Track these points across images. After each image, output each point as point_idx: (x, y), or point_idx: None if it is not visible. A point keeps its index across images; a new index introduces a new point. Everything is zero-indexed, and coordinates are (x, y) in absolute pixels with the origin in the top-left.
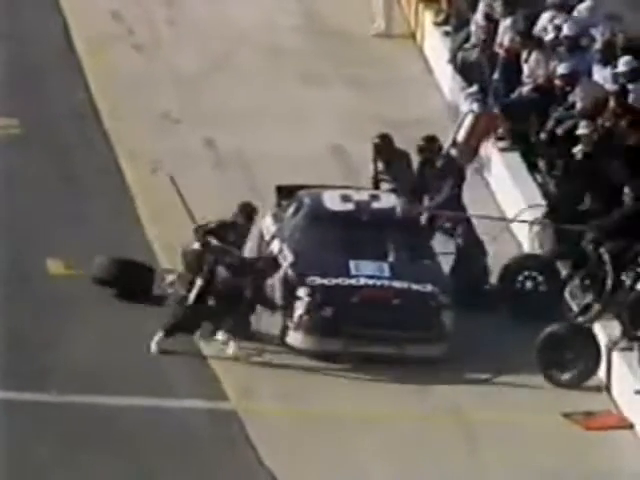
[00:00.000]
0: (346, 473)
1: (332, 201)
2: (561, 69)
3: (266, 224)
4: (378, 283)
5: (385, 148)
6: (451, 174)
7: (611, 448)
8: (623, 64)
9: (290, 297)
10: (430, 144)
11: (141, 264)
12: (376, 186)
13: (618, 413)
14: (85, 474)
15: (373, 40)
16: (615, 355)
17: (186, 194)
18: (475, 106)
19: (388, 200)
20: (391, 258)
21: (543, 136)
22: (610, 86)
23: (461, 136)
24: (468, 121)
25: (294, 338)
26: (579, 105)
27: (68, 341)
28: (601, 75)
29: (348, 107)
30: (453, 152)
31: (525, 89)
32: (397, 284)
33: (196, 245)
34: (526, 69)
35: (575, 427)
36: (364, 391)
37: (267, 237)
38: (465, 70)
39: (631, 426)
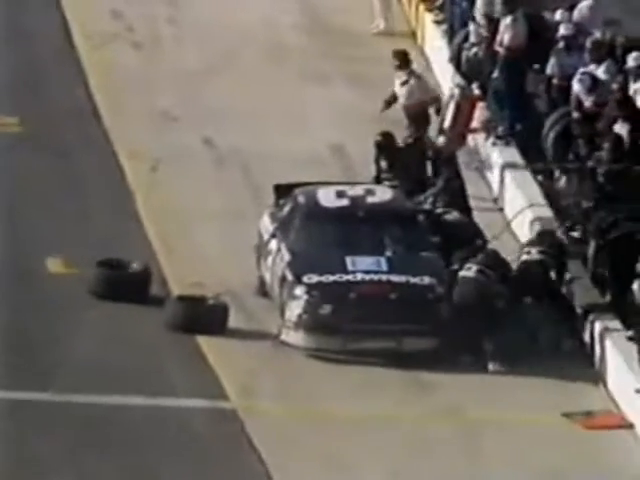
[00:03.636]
0: (345, 472)
1: (327, 198)
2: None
3: (264, 223)
4: (375, 278)
5: (387, 146)
6: (443, 164)
7: (611, 448)
8: (633, 59)
9: (288, 296)
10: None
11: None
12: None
13: (618, 413)
14: (85, 473)
15: (374, 38)
16: (615, 354)
17: (185, 192)
18: (456, 92)
19: (383, 194)
20: (388, 252)
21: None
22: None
23: (447, 123)
24: (451, 108)
25: (293, 337)
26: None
27: (68, 340)
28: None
29: (349, 105)
30: (441, 140)
31: None
32: (394, 278)
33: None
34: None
35: (575, 427)
36: (364, 390)
37: (265, 236)
38: (468, 69)
39: (631, 426)
